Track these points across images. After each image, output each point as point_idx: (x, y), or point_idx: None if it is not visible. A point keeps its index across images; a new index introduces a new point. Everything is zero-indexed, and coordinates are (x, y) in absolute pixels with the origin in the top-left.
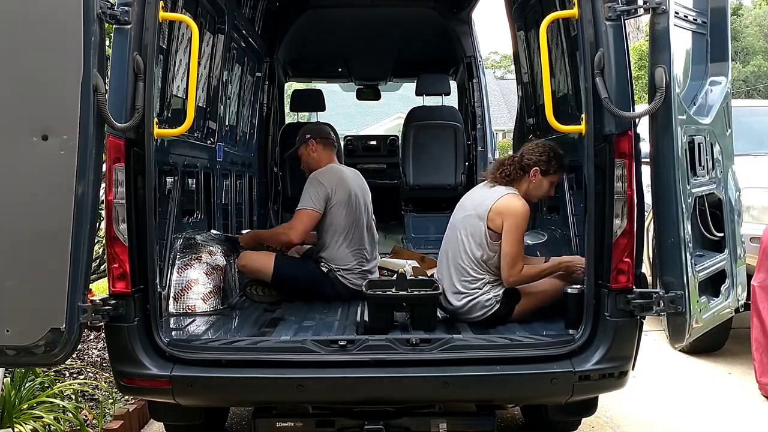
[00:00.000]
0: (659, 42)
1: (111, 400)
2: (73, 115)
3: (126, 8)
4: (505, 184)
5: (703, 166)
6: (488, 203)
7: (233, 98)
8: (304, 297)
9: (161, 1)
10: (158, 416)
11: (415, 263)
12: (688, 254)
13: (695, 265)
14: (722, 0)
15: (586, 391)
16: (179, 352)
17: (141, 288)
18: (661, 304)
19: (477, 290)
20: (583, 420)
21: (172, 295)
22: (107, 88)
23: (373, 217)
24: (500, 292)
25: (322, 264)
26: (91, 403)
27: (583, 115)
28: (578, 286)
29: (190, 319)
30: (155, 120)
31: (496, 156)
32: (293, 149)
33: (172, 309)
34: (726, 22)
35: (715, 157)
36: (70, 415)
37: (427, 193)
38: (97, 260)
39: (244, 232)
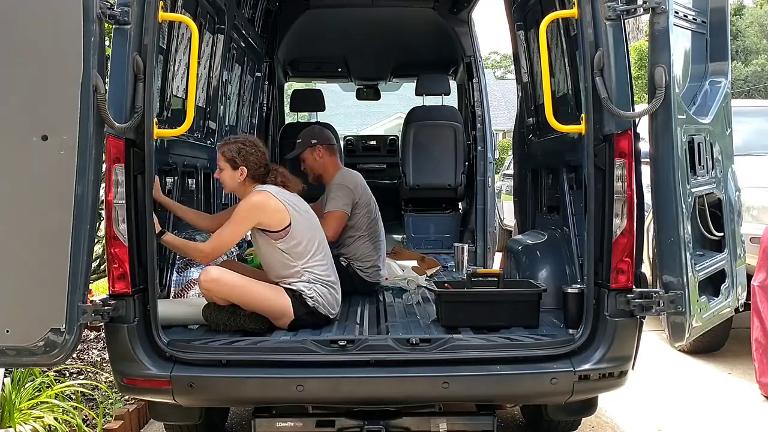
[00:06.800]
0: (659, 41)
1: (111, 400)
2: (73, 115)
3: (126, 8)
4: None
5: (703, 166)
6: None
7: (233, 98)
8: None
9: (161, 1)
10: (158, 416)
11: (415, 263)
12: (688, 254)
13: (695, 264)
14: (722, 0)
15: (586, 391)
16: (179, 352)
17: (141, 288)
18: (661, 304)
19: None
20: (583, 420)
21: (172, 295)
22: (107, 88)
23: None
24: None
25: (342, 258)
26: (91, 403)
27: (582, 115)
28: (578, 286)
29: None
30: (155, 120)
31: (496, 156)
32: (296, 152)
33: None
34: (726, 22)
35: (714, 156)
36: (70, 415)
37: (427, 193)
38: (97, 260)
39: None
